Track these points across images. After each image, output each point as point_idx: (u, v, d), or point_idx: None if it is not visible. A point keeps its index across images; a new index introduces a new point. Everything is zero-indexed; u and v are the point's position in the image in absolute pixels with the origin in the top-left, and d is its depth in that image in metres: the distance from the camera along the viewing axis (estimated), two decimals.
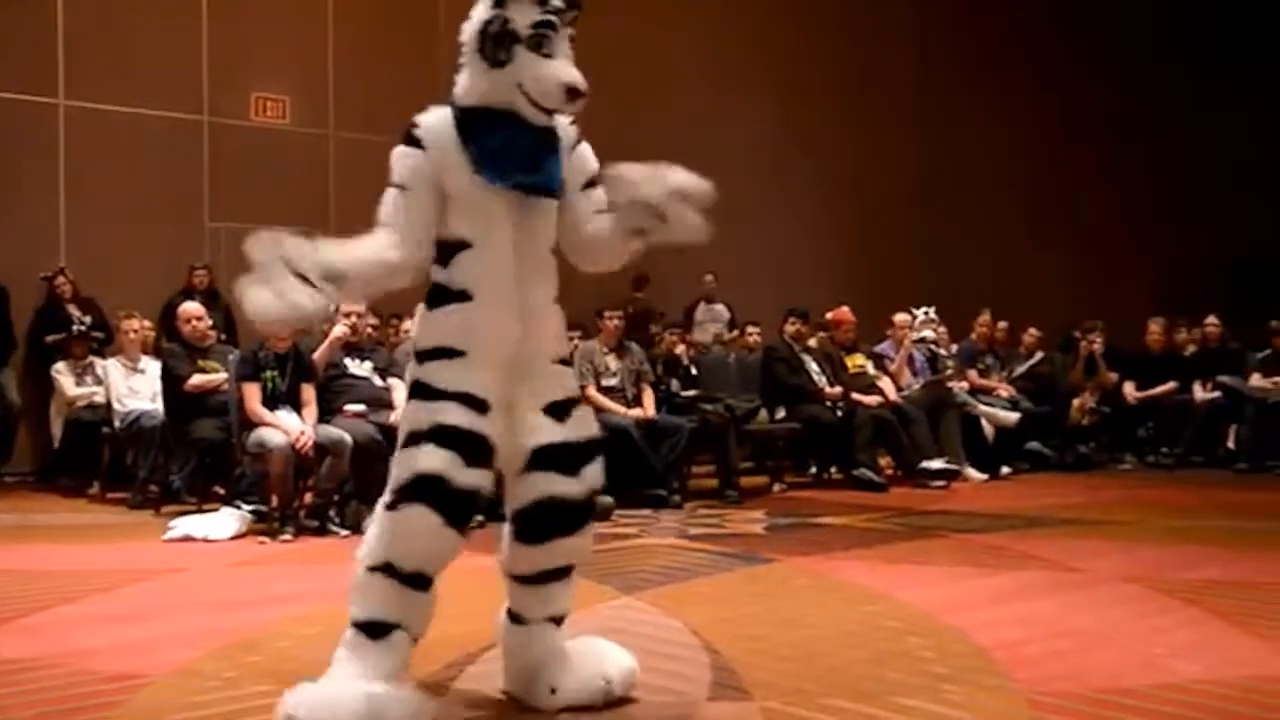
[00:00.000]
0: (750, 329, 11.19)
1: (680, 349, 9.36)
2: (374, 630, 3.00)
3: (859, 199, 14.84)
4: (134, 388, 8.54)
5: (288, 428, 6.75)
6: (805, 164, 14.57)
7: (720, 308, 12.62)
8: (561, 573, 3.26)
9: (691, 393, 8.97)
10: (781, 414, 9.54)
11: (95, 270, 10.33)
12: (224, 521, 6.69)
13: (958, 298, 11.57)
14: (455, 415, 3.01)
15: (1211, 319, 11.72)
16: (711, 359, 10.27)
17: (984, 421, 10.16)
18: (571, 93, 3.07)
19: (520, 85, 3.08)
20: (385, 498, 3.05)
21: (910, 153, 15.27)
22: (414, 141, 3.12)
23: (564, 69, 3.08)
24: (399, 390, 7.40)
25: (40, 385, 9.92)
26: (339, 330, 7.31)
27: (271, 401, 7.03)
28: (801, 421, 9.36)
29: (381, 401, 7.24)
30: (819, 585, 5.17)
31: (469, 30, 3.15)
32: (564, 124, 3.26)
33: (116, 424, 8.49)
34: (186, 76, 11.26)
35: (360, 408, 7.16)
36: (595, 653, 3.31)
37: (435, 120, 3.15)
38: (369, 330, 7.75)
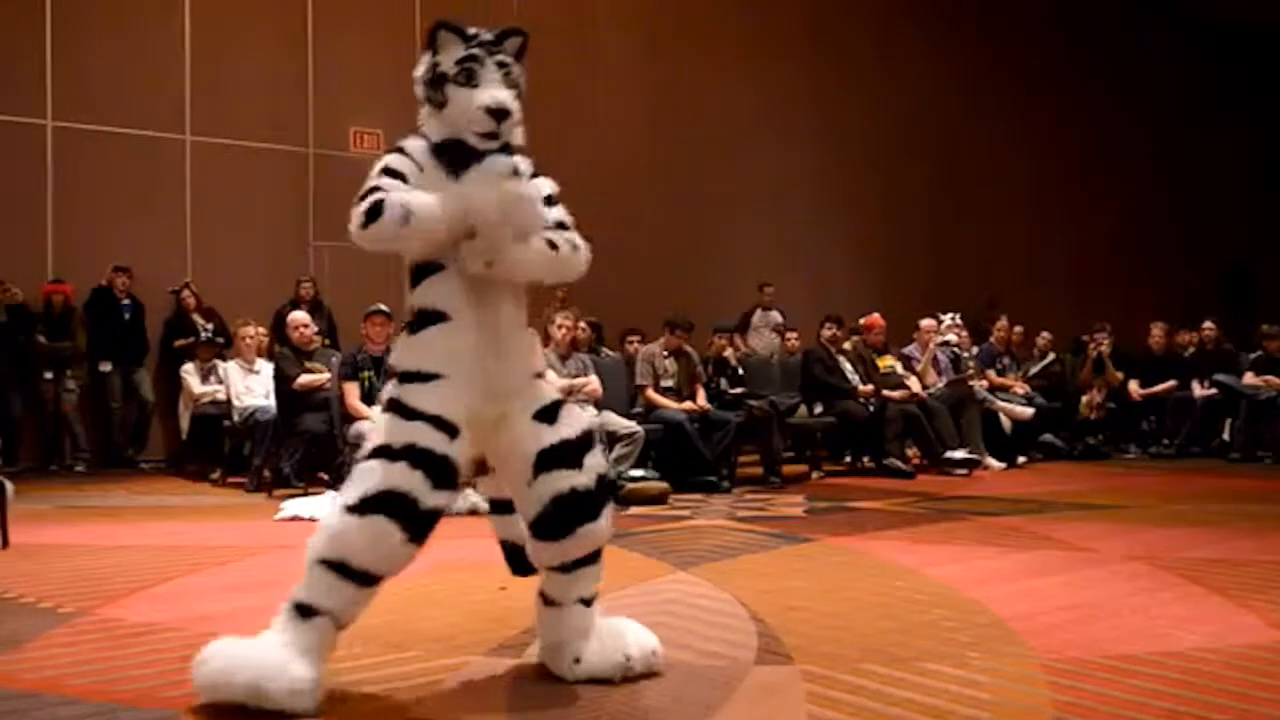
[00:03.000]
0: (790, 334, 11.20)
1: (728, 352, 9.35)
2: (303, 611, 2.88)
3: (889, 220, 14.82)
4: (250, 386, 8.65)
5: None
6: (838, 192, 14.60)
7: (775, 314, 12.56)
8: (589, 559, 3.11)
9: (739, 390, 8.96)
10: (819, 409, 9.50)
11: (216, 284, 10.50)
12: (328, 503, 6.73)
13: (978, 305, 11.50)
14: (429, 438, 2.86)
15: (1208, 323, 11.61)
16: (757, 360, 10.25)
17: (1002, 416, 10.07)
18: (492, 112, 2.94)
19: (458, 119, 2.98)
20: (347, 500, 2.86)
21: (935, 180, 15.19)
22: (404, 152, 3.01)
23: (482, 94, 2.95)
24: None
25: (170, 384, 10.12)
26: None
27: (369, 398, 7.08)
28: (837, 416, 9.32)
29: None
30: (853, 562, 5.14)
31: (416, 82, 3.06)
32: (521, 160, 3.05)
33: (235, 418, 8.60)
34: (294, 114, 11.40)
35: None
36: (620, 632, 3.19)
37: (418, 144, 3.04)
38: None
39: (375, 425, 3.02)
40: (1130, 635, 3.64)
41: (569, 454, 3.04)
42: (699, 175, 13.31)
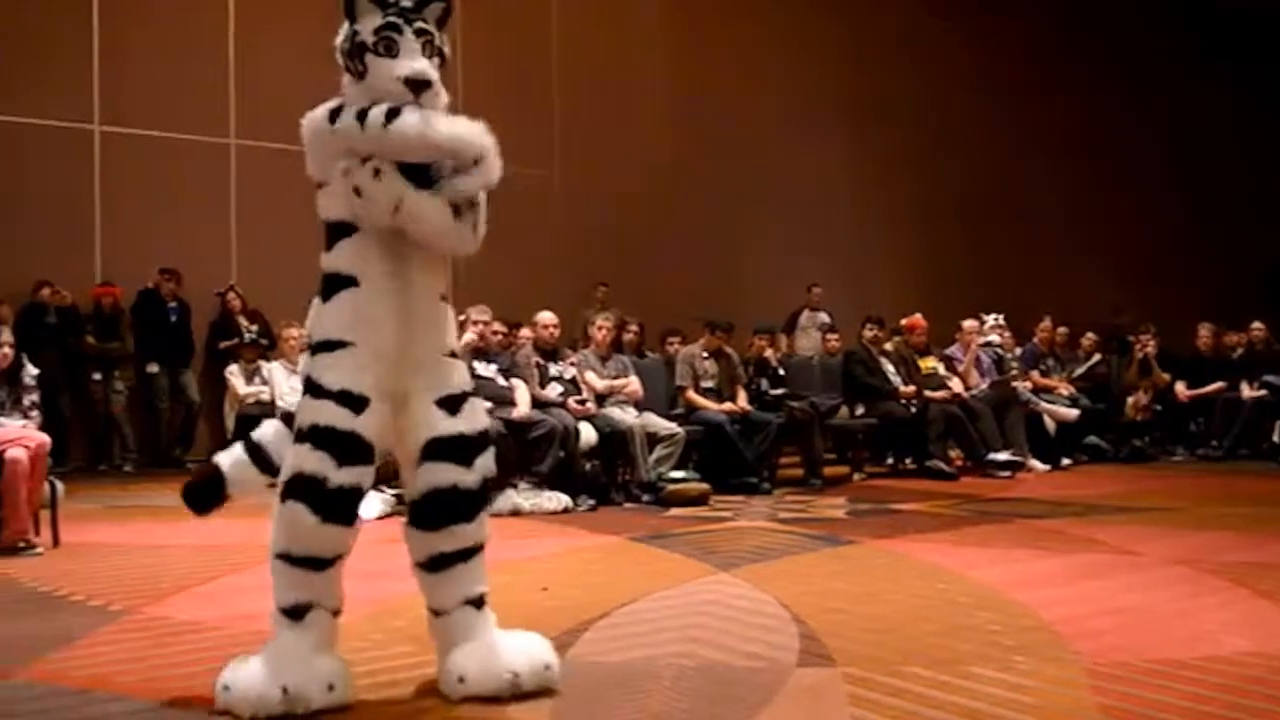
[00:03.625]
0: (831, 335, 11.15)
1: (769, 353, 9.33)
2: (291, 613, 2.90)
3: (928, 221, 14.72)
4: (294, 387, 8.67)
5: None
6: (878, 192, 14.55)
7: (823, 315, 12.48)
8: (464, 555, 3.02)
9: (779, 391, 8.95)
10: (861, 410, 9.47)
11: (261, 286, 10.58)
12: (370, 504, 6.75)
13: (1022, 306, 11.42)
14: (332, 415, 2.83)
15: (1257, 324, 11.42)
16: (797, 361, 10.22)
17: (1046, 417, 10.00)
18: (410, 83, 2.86)
19: (378, 90, 2.91)
20: (278, 489, 2.91)
21: (976, 176, 15.07)
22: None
23: (401, 64, 2.87)
24: (520, 389, 7.48)
25: (216, 385, 10.21)
26: (468, 337, 7.37)
27: None
28: (879, 417, 9.28)
29: (504, 399, 7.26)
30: (896, 564, 5.12)
31: (336, 50, 3.00)
32: None
33: (279, 419, 8.66)
34: None
35: (486, 405, 7.19)
36: (509, 646, 3.02)
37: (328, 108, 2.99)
38: (497, 336, 7.81)
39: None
40: (1174, 639, 3.61)
41: (461, 449, 2.98)
42: (738, 177, 13.29)
